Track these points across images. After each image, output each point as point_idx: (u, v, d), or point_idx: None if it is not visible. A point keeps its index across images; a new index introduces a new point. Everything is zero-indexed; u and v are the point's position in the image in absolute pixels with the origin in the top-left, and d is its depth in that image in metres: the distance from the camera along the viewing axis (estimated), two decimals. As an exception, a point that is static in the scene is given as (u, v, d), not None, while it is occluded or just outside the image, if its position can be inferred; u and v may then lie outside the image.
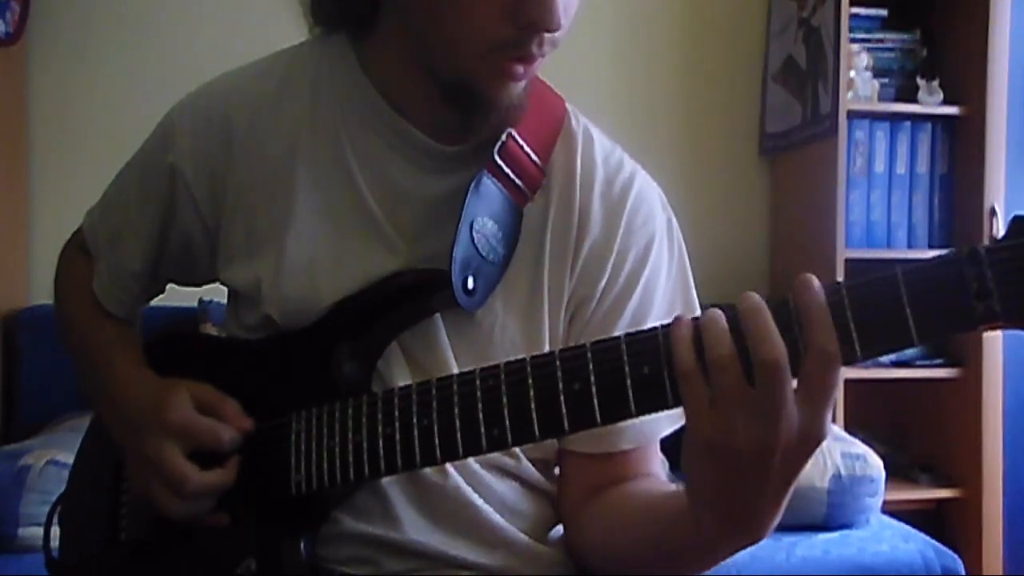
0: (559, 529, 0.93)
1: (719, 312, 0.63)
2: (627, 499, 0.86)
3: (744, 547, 0.69)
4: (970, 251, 0.58)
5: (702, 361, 0.61)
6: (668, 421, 0.86)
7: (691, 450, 0.64)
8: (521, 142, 0.86)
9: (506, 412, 0.70)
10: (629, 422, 0.75)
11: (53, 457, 1.78)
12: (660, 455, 0.91)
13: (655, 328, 0.66)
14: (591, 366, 0.67)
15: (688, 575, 0.78)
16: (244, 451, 0.83)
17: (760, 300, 0.62)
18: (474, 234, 0.82)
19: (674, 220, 0.93)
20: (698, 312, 0.89)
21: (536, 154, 0.87)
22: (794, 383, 0.60)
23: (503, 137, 0.84)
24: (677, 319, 0.64)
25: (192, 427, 0.82)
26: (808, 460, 0.63)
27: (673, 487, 0.83)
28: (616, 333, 0.84)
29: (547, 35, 0.75)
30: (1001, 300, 0.56)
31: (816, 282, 0.61)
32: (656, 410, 0.66)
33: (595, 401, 0.67)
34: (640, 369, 0.65)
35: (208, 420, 0.83)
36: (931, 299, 0.58)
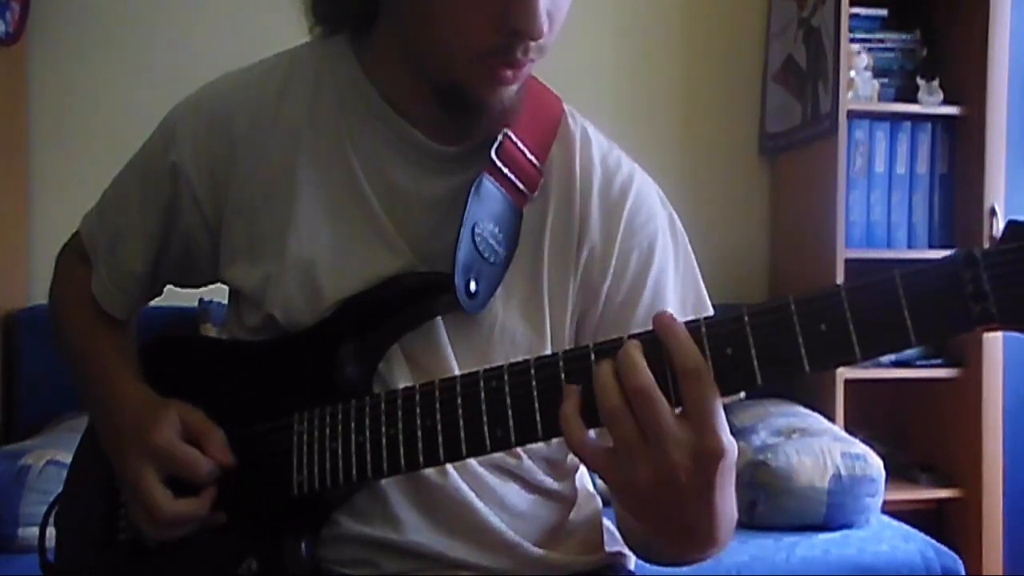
0: (558, 532, 0.93)
1: (604, 370, 0.66)
2: None
3: (709, 554, 0.75)
4: (967, 254, 0.59)
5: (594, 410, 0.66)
6: None
7: (612, 489, 0.69)
8: (517, 142, 0.86)
9: (510, 412, 0.71)
10: None
11: (53, 457, 1.78)
12: None
13: (656, 330, 0.66)
14: (595, 367, 0.67)
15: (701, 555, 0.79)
16: (246, 451, 0.83)
17: (634, 344, 0.66)
18: (476, 237, 0.82)
19: (675, 217, 0.93)
20: (708, 306, 0.90)
21: (533, 154, 0.87)
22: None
23: (499, 137, 0.85)
24: (566, 391, 0.68)
25: (172, 454, 0.82)
26: (721, 475, 0.65)
27: None
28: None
29: (532, 42, 0.76)
30: (997, 302, 0.58)
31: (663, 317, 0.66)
32: None
33: None
34: None
35: (190, 450, 0.83)
36: (929, 301, 0.59)
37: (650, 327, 0.67)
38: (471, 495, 0.86)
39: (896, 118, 2.44)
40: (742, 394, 0.85)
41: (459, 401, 0.73)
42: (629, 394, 0.64)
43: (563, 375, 0.68)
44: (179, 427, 0.84)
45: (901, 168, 2.46)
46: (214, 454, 0.83)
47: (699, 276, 0.93)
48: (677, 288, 0.90)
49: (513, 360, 0.72)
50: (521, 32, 0.74)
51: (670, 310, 0.87)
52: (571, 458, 0.94)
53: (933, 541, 1.98)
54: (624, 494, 0.68)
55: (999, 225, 2.28)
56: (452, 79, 0.79)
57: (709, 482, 0.65)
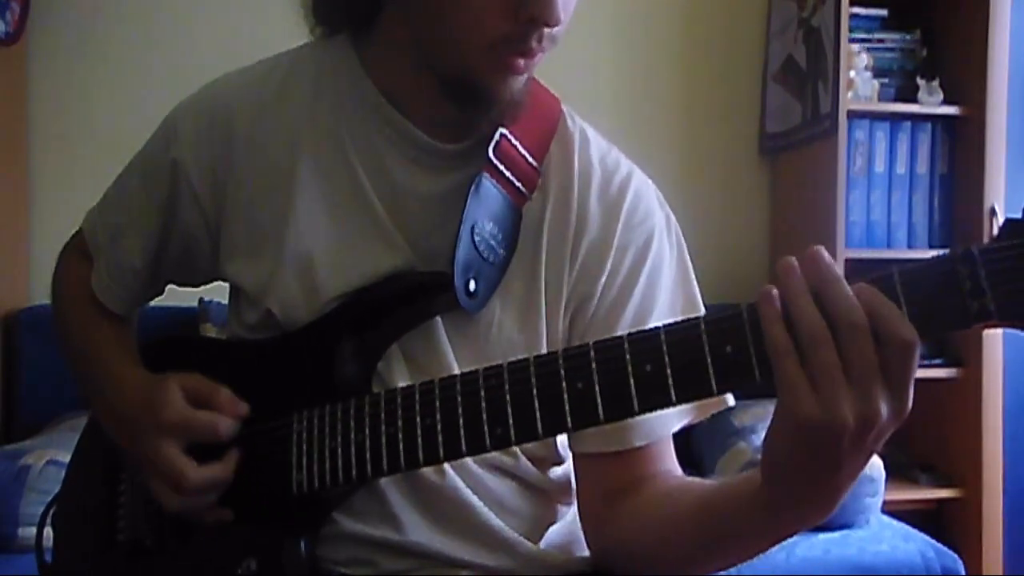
0: (556, 530, 0.93)
1: (801, 282, 0.60)
2: (669, 494, 0.84)
3: (810, 526, 0.69)
4: (964, 251, 0.59)
5: (795, 339, 0.60)
6: (677, 417, 0.86)
7: (787, 430, 0.62)
8: (514, 141, 0.86)
9: (510, 411, 0.71)
10: (638, 419, 0.77)
11: (53, 457, 1.78)
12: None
13: (657, 328, 0.66)
14: (594, 365, 0.67)
15: (745, 561, 0.76)
16: (245, 451, 0.84)
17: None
18: (475, 236, 0.82)
19: (672, 217, 0.93)
20: (701, 306, 0.90)
21: (530, 153, 0.87)
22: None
23: (496, 136, 0.85)
24: (765, 295, 0.61)
25: (188, 422, 0.82)
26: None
27: (715, 480, 0.82)
28: (619, 329, 0.85)
29: (547, 30, 0.75)
30: (995, 299, 0.58)
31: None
32: (659, 408, 0.67)
33: (598, 400, 0.67)
34: (643, 367, 0.66)
35: (203, 413, 0.83)
36: (927, 298, 0.59)
37: (640, 326, 0.67)
38: (469, 494, 0.86)
39: (896, 118, 2.44)
40: (731, 400, 0.86)
41: (459, 400, 0.73)
42: (841, 327, 0.58)
43: (563, 373, 0.68)
44: (184, 396, 0.84)
45: (901, 168, 2.46)
46: (227, 409, 0.83)
47: (693, 280, 0.92)
48: (668, 288, 0.90)
49: (512, 359, 0.72)
50: (537, 19, 0.73)
51: (658, 310, 0.88)
52: (568, 456, 0.95)
53: (933, 541, 1.98)
54: (811, 434, 0.60)
55: (999, 225, 2.27)
56: (462, 70, 0.78)
57: (880, 442, 0.61)
